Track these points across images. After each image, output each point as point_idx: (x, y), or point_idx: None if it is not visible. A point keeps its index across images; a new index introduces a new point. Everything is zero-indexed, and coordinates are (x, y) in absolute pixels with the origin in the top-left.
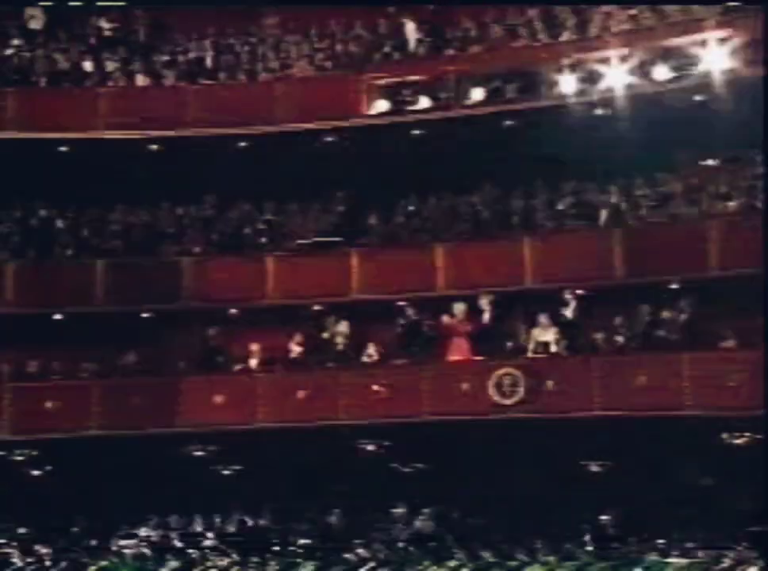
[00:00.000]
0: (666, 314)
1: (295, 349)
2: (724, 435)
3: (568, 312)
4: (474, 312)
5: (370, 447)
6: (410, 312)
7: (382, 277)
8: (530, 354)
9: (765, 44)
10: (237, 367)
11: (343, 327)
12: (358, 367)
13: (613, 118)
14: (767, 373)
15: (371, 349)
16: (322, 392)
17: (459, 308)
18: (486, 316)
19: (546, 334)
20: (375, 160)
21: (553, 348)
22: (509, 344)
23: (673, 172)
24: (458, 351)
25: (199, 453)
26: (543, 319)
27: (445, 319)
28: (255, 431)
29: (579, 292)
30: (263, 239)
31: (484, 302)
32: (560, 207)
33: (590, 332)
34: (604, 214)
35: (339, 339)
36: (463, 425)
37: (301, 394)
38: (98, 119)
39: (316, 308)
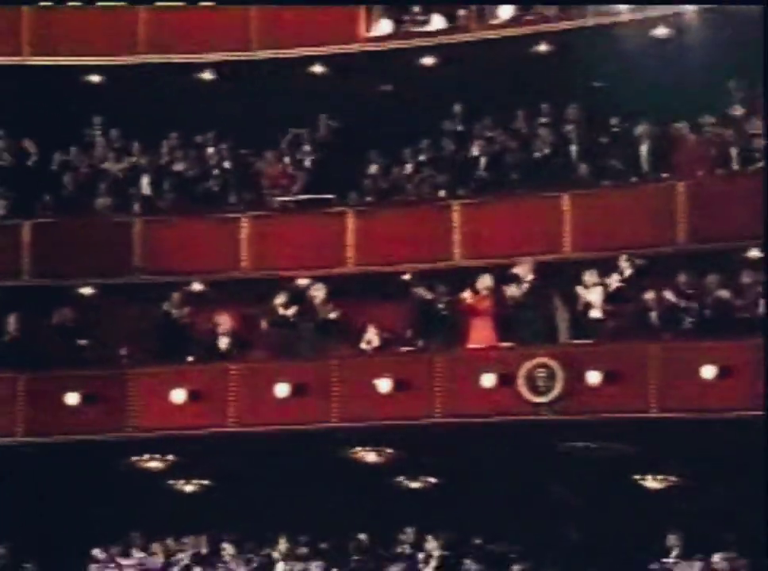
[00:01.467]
0: (742, 285)
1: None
2: None
3: (615, 284)
4: (501, 287)
5: (369, 457)
6: (420, 287)
7: (385, 244)
8: (564, 337)
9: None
10: (202, 356)
11: (333, 306)
12: (354, 356)
13: (677, 41)
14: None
15: (371, 334)
16: (309, 387)
17: (483, 282)
18: (516, 293)
19: (591, 294)
20: (376, 95)
21: (596, 313)
22: (544, 328)
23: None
24: (481, 336)
25: (154, 464)
26: (589, 277)
27: (465, 296)
28: (225, 436)
29: (632, 260)
30: (236, 195)
31: (520, 271)
32: (606, 155)
33: (646, 311)
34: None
35: (331, 320)
36: (486, 429)
37: (283, 390)
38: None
39: (302, 282)
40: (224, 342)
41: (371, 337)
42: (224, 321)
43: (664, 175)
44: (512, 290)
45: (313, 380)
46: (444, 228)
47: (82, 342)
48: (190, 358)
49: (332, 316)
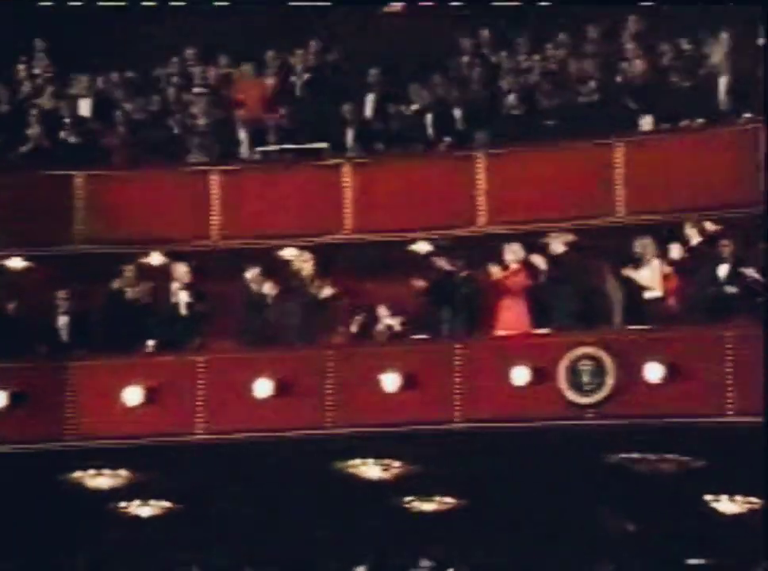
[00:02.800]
0: None
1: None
2: None
3: (679, 255)
4: (536, 259)
5: (373, 472)
6: (436, 258)
7: (392, 205)
8: (617, 321)
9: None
10: (162, 345)
11: (325, 282)
12: (354, 345)
13: None
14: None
15: (380, 316)
16: (297, 384)
17: (513, 252)
18: (554, 266)
19: (649, 268)
20: (376, 20)
21: (654, 292)
22: (590, 310)
23: None
24: (511, 320)
25: (102, 481)
26: (646, 246)
27: (492, 270)
28: (191, 447)
29: (700, 225)
30: (202, 144)
31: (556, 243)
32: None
33: (719, 288)
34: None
35: (323, 300)
36: (517, 438)
37: (264, 388)
38: None
39: (287, 252)
40: (182, 303)
41: (380, 320)
42: (182, 273)
43: (746, 116)
44: (549, 263)
45: (302, 375)
46: (465, 184)
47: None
48: (148, 349)
49: (325, 294)
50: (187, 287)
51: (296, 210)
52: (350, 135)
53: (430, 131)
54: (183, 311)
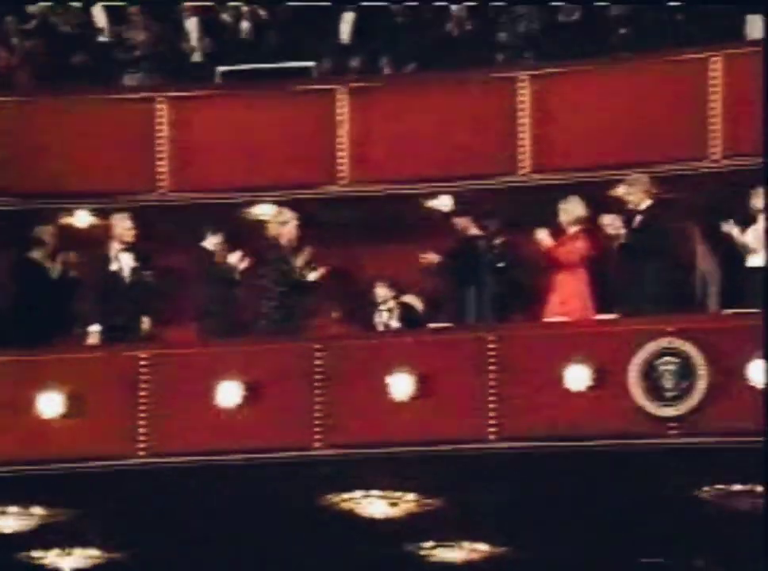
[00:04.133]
0: None
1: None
2: None
3: None
4: (600, 220)
5: (377, 508)
6: (461, 219)
7: (403, 146)
8: (712, 304)
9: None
10: (90, 336)
11: (312, 251)
12: (352, 337)
13: None
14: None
15: (383, 296)
16: (276, 388)
17: (570, 211)
18: (625, 230)
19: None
20: None
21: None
22: (673, 289)
23: None
24: (566, 303)
25: (5, 524)
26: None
27: (540, 236)
28: (132, 474)
29: None
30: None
31: (630, 198)
32: None
33: None
34: None
35: (312, 275)
36: (573, 461)
37: (231, 393)
38: None
39: (262, 212)
40: (125, 270)
41: (385, 304)
42: (124, 230)
43: None
44: (618, 226)
45: (282, 376)
46: (503, 116)
47: None
48: (78, 339)
49: (311, 268)
50: (132, 248)
51: (273, 153)
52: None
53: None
54: (127, 280)
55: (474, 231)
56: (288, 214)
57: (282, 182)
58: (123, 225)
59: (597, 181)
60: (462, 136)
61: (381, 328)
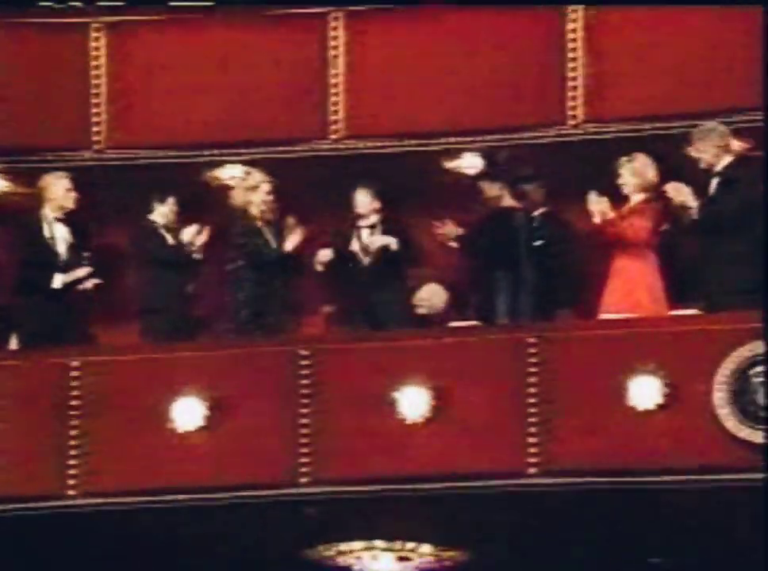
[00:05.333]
0: None
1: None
2: None
3: None
4: (674, 188)
5: (382, 564)
6: (489, 185)
7: (414, 88)
8: None
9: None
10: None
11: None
12: (348, 338)
13: None
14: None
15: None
16: (252, 408)
17: (635, 174)
18: (695, 199)
19: None
20: None
21: None
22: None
23: None
24: (629, 296)
25: None
26: None
27: (594, 206)
28: (62, 517)
29: None
30: None
31: (709, 155)
32: None
33: None
34: None
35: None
36: (640, 500)
37: (191, 414)
38: None
39: (227, 174)
40: (60, 243)
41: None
42: (60, 193)
43: None
44: (687, 194)
45: (257, 391)
46: (548, 49)
47: None
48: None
49: (292, 242)
50: (68, 218)
51: (242, 98)
52: None
53: None
54: (63, 256)
55: (507, 200)
56: (258, 177)
57: (253, 137)
58: (59, 186)
59: (669, 133)
60: (493, 75)
61: (362, 257)
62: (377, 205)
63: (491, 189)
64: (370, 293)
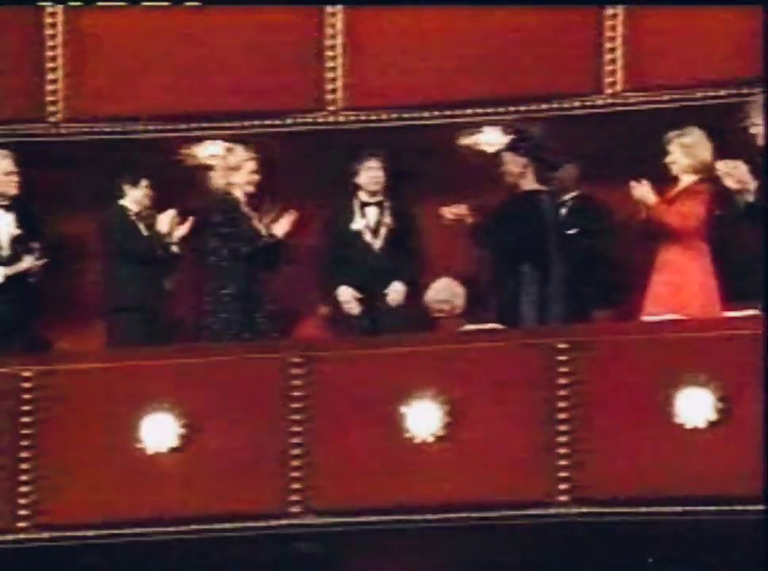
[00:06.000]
0: None
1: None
2: None
3: None
4: (729, 167)
5: None
6: (513, 163)
7: (425, 50)
8: None
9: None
10: None
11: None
12: (347, 343)
13: None
14: None
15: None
16: (234, 426)
17: (689, 149)
18: (751, 181)
19: None
20: None
21: None
22: None
23: None
24: (678, 291)
25: None
26: None
27: (639, 189)
28: (11, 553)
29: None
30: None
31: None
32: None
33: None
34: None
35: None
36: (693, 535)
37: (164, 433)
38: None
39: (205, 151)
40: (3, 238)
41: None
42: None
43: None
44: (744, 174)
45: (243, 403)
46: (578, 8)
47: None
48: None
49: (282, 228)
50: (14, 206)
51: (224, 64)
52: None
53: None
54: (4, 247)
55: (532, 182)
56: (242, 153)
57: (236, 108)
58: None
59: (723, 103)
60: (517, 37)
61: (363, 235)
62: (386, 180)
63: (515, 165)
64: (375, 285)
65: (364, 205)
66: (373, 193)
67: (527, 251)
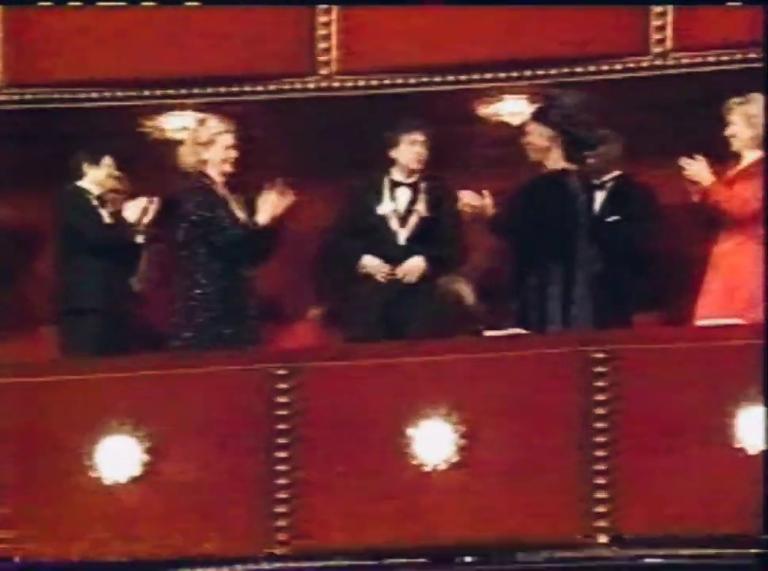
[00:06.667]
0: None
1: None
2: None
3: None
4: None
5: None
6: (545, 136)
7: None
8: None
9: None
10: None
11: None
12: (341, 353)
13: None
14: None
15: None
16: (217, 453)
17: (750, 120)
18: None
19: None
20: None
21: None
22: None
23: None
24: (736, 290)
25: None
26: None
27: (691, 167)
28: None
29: None
30: None
31: None
32: None
33: None
34: None
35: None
36: None
37: (123, 459)
38: None
39: (173, 124)
40: None
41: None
42: None
43: None
44: None
45: (219, 424)
46: None
47: None
48: None
49: (266, 213)
50: None
51: (195, 23)
52: None
53: None
54: None
55: (559, 160)
56: (218, 126)
57: (210, 73)
58: None
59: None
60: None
61: (389, 221)
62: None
63: (539, 137)
64: (394, 288)
65: (395, 185)
66: (411, 172)
67: (551, 242)
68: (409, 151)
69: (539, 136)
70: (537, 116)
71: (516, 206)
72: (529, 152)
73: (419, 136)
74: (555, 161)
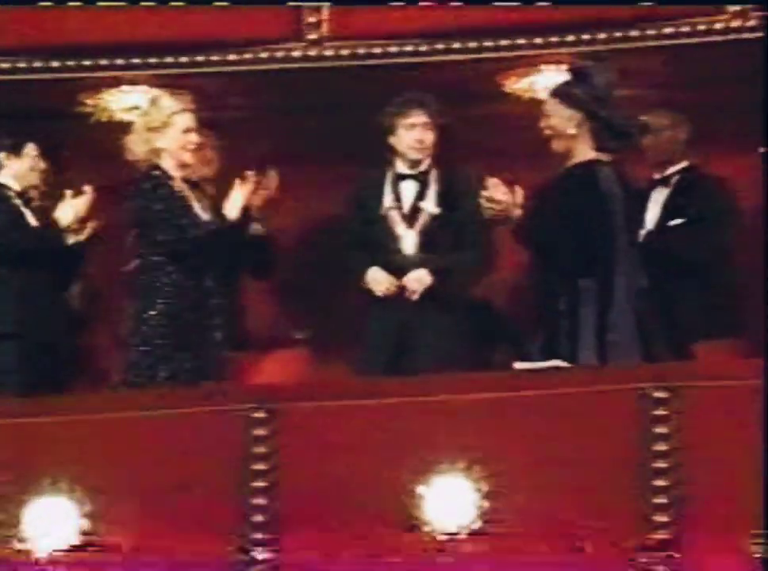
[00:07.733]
0: None
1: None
2: None
3: None
4: None
5: None
6: (561, 115)
7: None
8: None
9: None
10: None
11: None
12: (334, 387)
13: None
14: None
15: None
16: (176, 504)
17: None
18: None
19: None
20: None
21: None
22: None
23: None
24: None
25: None
26: None
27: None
28: None
29: None
30: None
31: None
32: None
33: None
34: None
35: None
36: None
37: (63, 531)
38: None
39: (129, 100)
40: None
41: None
42: None
43: None
44: None
45: (175, 480)
46: None
47: None
48: None
49: (235, 206)
50: None
51: None
52: None
53: None
54: None
55: (588, 149)
56: (173, 105)
57: (166, 37)
58: None
59: None
60: None
61: (392, 222)
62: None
63: (561, 119)
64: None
65: (399, 177)
66: (414, 163)
67: (582, 253)
68: (407, 136)
69: (561, 119)
70: (559, 94)
71: (538, 208)
72: (551, 140)
73: (420, 118)
74: (583, 150)
